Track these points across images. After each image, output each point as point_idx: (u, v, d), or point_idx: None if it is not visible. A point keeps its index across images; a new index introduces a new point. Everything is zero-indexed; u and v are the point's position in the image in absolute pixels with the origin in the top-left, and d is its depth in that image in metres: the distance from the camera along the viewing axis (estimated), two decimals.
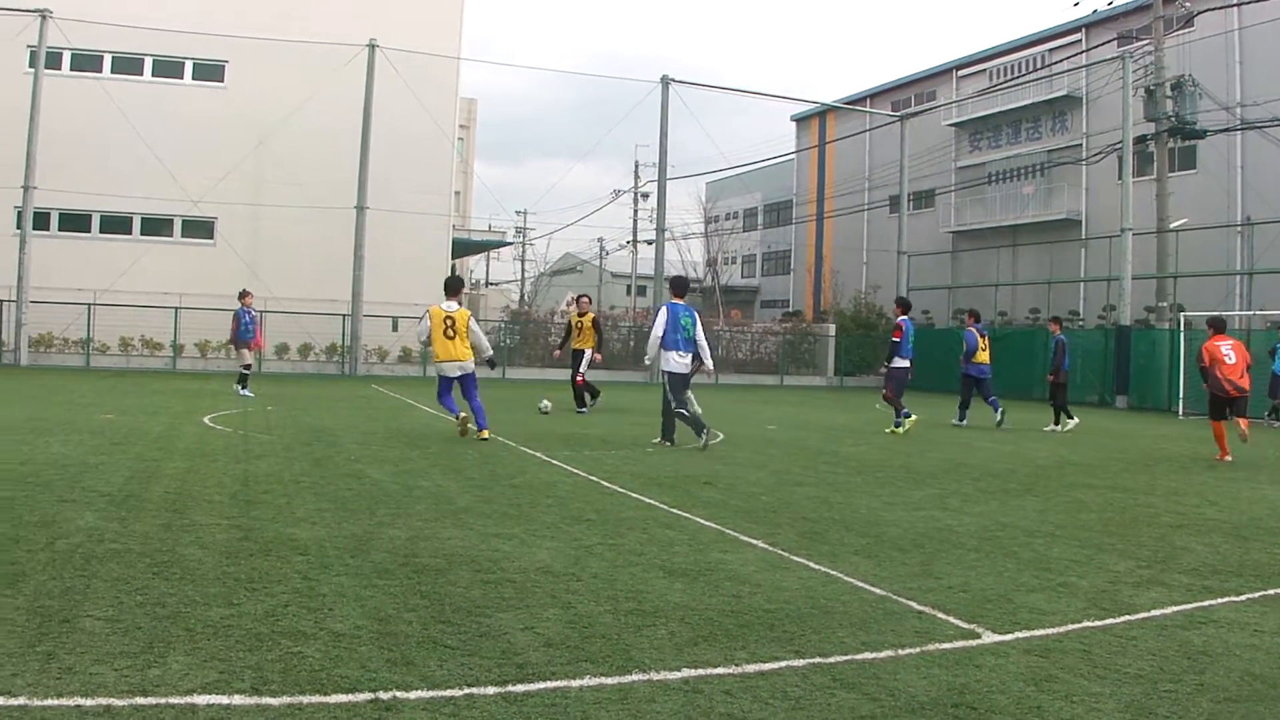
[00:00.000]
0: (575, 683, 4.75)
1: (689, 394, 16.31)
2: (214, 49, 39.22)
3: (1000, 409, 23.02)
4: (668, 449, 15.53)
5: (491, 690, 4.59)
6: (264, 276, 37.98)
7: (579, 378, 22.26)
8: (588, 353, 22.34)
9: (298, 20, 38.31)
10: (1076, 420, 22.49)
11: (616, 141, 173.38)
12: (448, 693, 4.53)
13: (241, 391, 23.43)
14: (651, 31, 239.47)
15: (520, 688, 4.64)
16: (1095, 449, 18.36)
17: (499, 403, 22.80)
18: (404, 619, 5.64)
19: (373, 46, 37.65)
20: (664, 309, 16.20)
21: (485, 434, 15.67)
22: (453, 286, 16.39)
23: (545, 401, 21.50)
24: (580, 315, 22.78)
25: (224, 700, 4.30)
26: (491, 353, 16.64)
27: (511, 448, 14.69)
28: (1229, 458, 16.58)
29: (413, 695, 4.47)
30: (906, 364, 20.54)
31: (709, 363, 16.67)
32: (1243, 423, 16.62)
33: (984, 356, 23.42)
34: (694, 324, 16.12)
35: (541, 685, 4.69)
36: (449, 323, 15.78)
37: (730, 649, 5.38)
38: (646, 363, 15.99)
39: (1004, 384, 38.28)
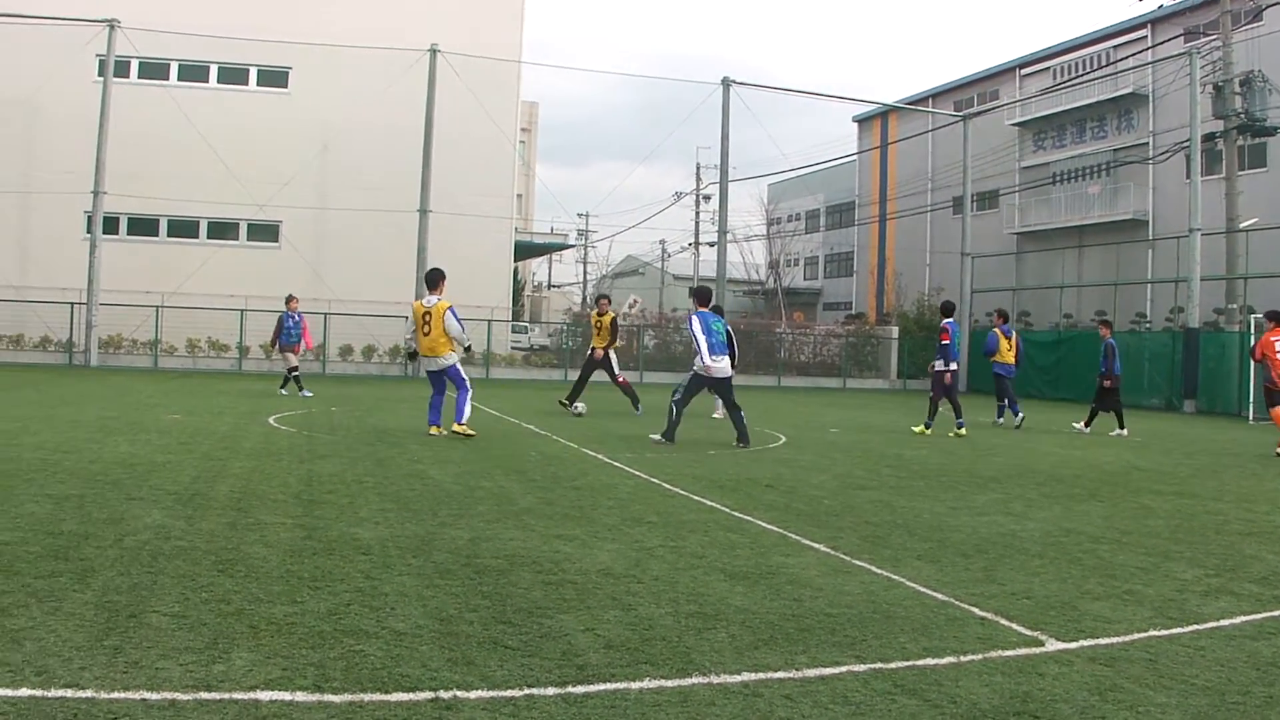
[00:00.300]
0: (635, 685, 4.74)
1: (738, 403, 16.55)
2: (277, 55, 39.67)
3: (1017, 413, 23.25)
4: (741, 450, 15.55)
5: (551, 691, 4.59)
6: (328, 279, 38.42)
7: (620, 378, 22.41)
8: (613, 355, 22.45)
9: (359, 26, 38.70)
10: (1089, 431, 22.30)
11: (678, 143, 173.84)
12: (508, 693, 4.54)
13: (302, 393, 23.77)
14: (711, 32, 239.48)
15: (580, 689, 4.64)
16: (1163, 454, 18.14)
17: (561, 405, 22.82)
18: (465, 619, 5.67)
19: (434, 51, 37.79)
20: (696, 317, 16.51)
21: (458, 429, 15.74)
22: (431, 280, 16.41)
23: (579, 405, 21.44)
24: (600, 315, 22.80)
25: (286, 697, 4.34)
26: (469, 342, 16.57)
27: (573, 449, 14.73)
28: None
29: (473, 695, 4.49)
30: (955, 366, 20.62)
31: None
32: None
33: (1009, 356, 23.63)
34: (724, 327, 16.82)
35: (601, 687, 4.69)
36: (426, 318, 15.91)
37: (791, 653, 5.36)
38: (710, 367, 15.95)
39: (1070, 388, 38.27)
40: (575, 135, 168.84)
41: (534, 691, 4.57)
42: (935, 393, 20.63)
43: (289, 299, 25.13)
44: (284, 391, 24.38)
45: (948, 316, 20.93)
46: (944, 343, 20.39)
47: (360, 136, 39.21)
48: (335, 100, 39.51)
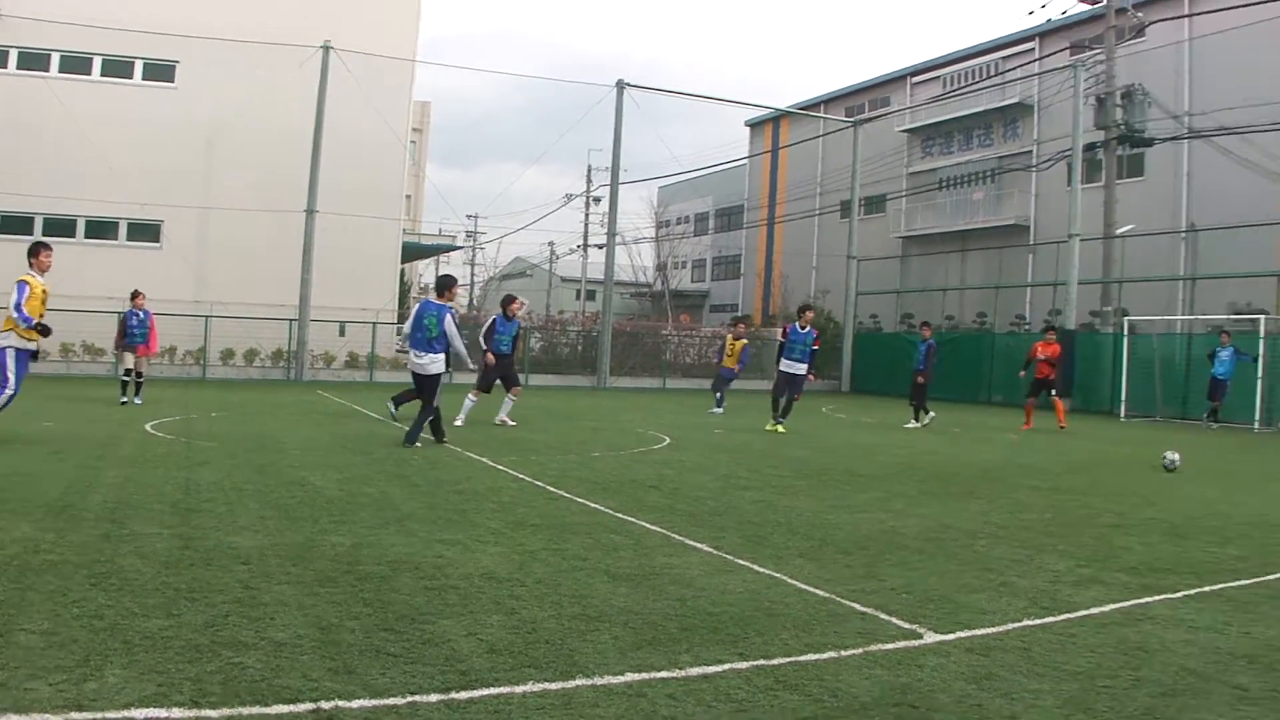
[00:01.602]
0: (519, 689, 4.74)
1: (435, 405, 15.77)
2: (165, 49, 38.75)
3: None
4: (615, 454, 15.54)
5: (435, 698, 4.57)
6: (211, 280, 37.80)
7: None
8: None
9: (251, 21, 37.90)
10: (933, 415, 24.82)
11: (570, 145, 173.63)
12: (390, 701, 4.51)
13: (135, 400, 22.34)
14: (606, 35, 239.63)
15: (464, 695, 4.63)
16: (1038, 451, 18.55)
17: (448, 406, 22.59)
18: (346, 627, 5.61)
19: (326, 48, 37.30)
20: (417, 306, 16.22)
21: None
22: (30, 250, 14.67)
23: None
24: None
25: (162, 713, 4.26)
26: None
27: (456, 453, 14.62)
28: None
29: (355, 704, 4.45)
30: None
31: (464, 359, 16.61)
32: None
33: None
34: (437, 323, 15.53)
35: (485, 692, 4.68)
36: None
37: (674, 653, 5.41)
38: (410, 362, 15.75)
39: (952, 388, 39.05)
40: (467, 136, 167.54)
41: (417, 699, 4.55)
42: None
43: (134, 294, 23.12)
44: (125, 400, 22.32)
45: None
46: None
47: (248, 134, 38.42)
48: (223, 96, 38.56)
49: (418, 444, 15.27)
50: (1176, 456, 16.57)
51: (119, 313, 24.63)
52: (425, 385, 15.71)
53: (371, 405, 23.94)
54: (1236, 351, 27.65)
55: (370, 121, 39.10)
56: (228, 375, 37.47)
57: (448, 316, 15.70)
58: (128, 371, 22.77)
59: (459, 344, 16.04)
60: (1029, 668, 5.40)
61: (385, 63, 39.03)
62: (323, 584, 6.55)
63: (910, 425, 23.21)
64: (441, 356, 15.59)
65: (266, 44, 36.80)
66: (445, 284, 16.68)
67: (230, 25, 37.27)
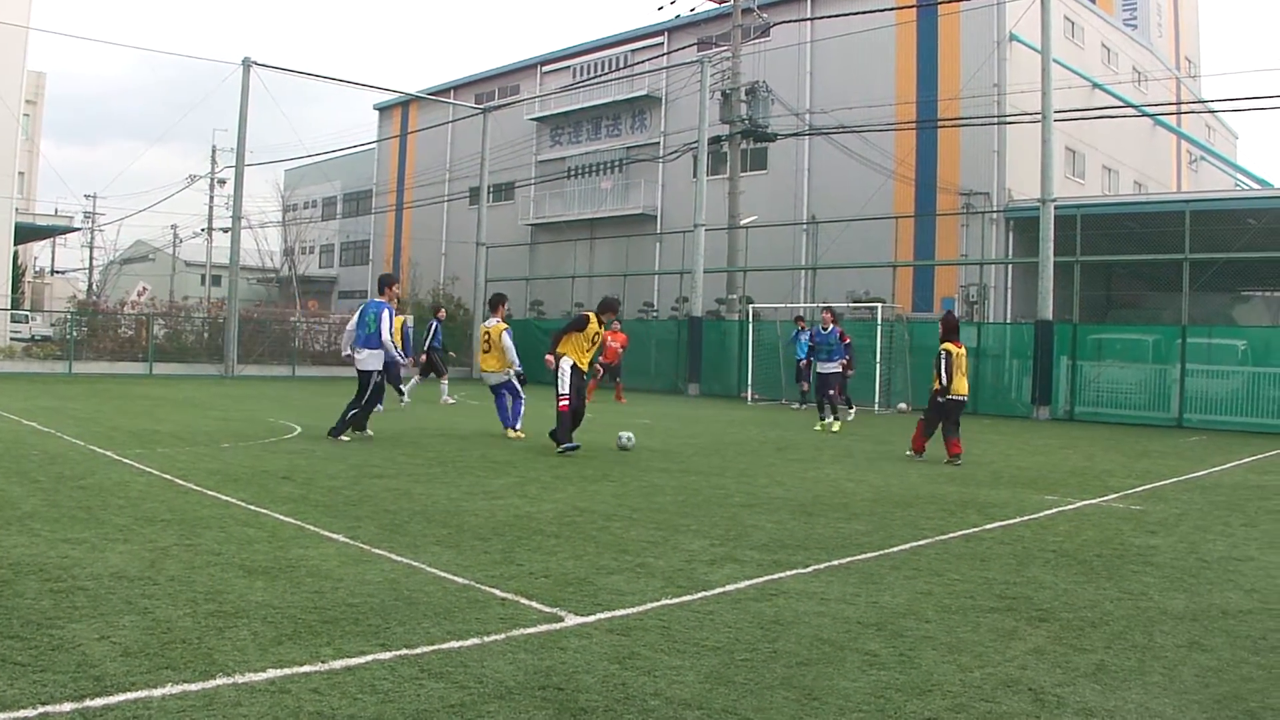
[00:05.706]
0: (157, 692, 4.62)
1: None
2: None
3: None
4: (255, 444, 15.20)
5: (68, 707, 4.39)
6: None
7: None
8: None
9: None
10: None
11: (195, 126, 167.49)
12: (20, 713, 4.32)
13: None
14: (234, 18, 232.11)
15: (98, 701, 4.47)
16: (670, 435, 19.12)
17: (68, 398, 21.58)
18: None
19: None
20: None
21: (512, 433, 17.86)
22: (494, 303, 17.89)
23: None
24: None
25: None
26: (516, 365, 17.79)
27: (79, 447, 13.96)
28: None
29: None
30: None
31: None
32: None
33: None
34: (375, 320, 16.47)
35: (121, 697, 4.53)
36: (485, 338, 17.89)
37: (315, 646, 5.38)
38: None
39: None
40: (87, 111, 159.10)
41: (49, 709, 4.36)
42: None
43: None
44: None
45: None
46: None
47: None
48: None
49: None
50: (630, 435, 16.94)
51: None
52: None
53: None
54: (801, 334, 29.41)
55: None
56: None
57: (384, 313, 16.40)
58: None
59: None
60: (669, 645, 5.63)
61: None
62: None
63: (829, 423, 21.50)
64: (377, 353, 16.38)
65: None
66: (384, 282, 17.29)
67: None
